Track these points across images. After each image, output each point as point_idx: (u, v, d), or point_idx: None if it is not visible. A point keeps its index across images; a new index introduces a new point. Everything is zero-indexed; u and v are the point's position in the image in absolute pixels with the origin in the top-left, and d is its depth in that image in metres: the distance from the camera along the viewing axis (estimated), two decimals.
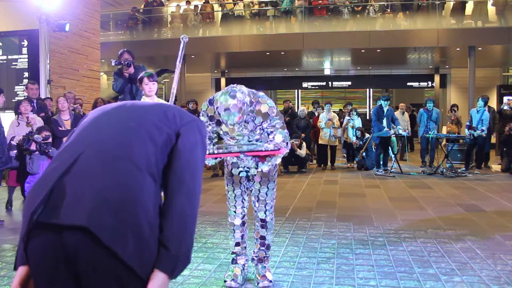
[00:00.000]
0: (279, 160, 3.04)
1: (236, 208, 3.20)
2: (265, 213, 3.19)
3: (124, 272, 1.19)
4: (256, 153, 2.74)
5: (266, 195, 3.16)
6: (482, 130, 9.32)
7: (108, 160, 1.29)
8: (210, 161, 2.95)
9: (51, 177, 1.27)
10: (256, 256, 3.25)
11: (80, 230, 1.17)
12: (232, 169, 3.13)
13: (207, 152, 2.62)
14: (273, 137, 2.89)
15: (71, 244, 1.18)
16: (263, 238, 3.23)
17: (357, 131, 10.46)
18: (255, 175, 3.13)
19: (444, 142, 10.56)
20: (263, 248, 3.24)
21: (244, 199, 3.20)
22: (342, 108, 13.88)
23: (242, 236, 3.25)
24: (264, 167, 2.94)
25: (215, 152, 2.74)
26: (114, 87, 5.72)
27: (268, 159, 2.82)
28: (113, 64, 5.68)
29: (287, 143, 2.96)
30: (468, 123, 9.63)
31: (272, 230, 3.27)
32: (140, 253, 1.20)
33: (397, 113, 11.42)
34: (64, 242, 1.18)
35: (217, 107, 2.68)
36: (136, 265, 1.20)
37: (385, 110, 9.55)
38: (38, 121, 6.37)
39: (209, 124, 2.92)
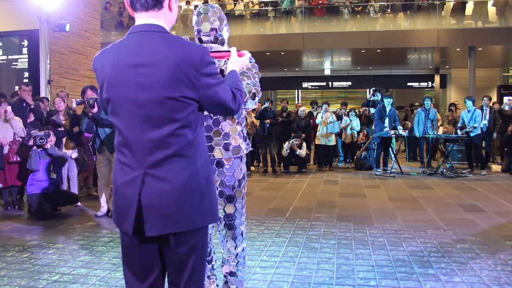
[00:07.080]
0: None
1: None
2: (235, 241, 2.51)
3: None
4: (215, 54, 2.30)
5: (234, 216, 2.51)
6: (474, 128, 9.26)
7: None
8: None
9: None
10: None
11: None
12: None
13: None
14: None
15: None
16: (233, 274, 2.56)
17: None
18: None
19: (442, 141, 10.51)
20: (234, 287, 2.57)
21: None
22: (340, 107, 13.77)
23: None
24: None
25: None
26: (81, 128, 5.50)
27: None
28: (74, 104, 5.31)
29: (252, 94, 2.37)
30: (459, 125, 9.61)
31: (245, 265, 2.60)
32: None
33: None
34: None
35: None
36: None
37: (387, 110, 9.56)
38: (17, 121, 6.09)
39: None
